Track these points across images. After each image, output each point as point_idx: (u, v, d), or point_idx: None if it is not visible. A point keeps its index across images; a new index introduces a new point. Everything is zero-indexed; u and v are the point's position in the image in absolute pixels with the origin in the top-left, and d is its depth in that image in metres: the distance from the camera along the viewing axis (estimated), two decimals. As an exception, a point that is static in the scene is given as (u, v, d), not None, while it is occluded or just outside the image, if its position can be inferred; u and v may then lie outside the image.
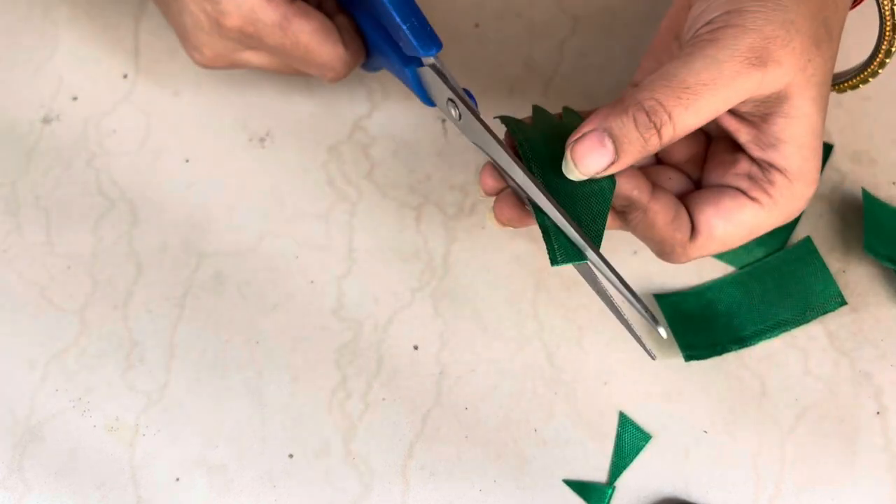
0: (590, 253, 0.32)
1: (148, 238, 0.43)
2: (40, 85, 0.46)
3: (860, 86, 0.38)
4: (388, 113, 0.45)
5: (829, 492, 0.38)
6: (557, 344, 0.41)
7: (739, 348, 0.40)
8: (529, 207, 0.34)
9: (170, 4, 0.38)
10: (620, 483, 0.38)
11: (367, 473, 0.39)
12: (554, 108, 0.46)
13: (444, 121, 0.45)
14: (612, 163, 0.31)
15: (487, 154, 0.35)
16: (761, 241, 0.41)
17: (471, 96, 0.36)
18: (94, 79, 0.46)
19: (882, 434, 0.39)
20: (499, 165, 0.34)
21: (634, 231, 0.35)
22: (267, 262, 0.42)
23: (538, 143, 0.34)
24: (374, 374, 0.40)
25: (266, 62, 0.40)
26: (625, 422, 0.39)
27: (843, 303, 0.40)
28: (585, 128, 0.32)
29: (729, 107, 0.31)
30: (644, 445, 0.39)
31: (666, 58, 0.37)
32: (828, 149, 0.43)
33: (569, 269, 0.42)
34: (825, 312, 0.40)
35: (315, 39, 0.37)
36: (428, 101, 0.37)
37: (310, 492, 0.39)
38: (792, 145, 0.33)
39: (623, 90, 0.38)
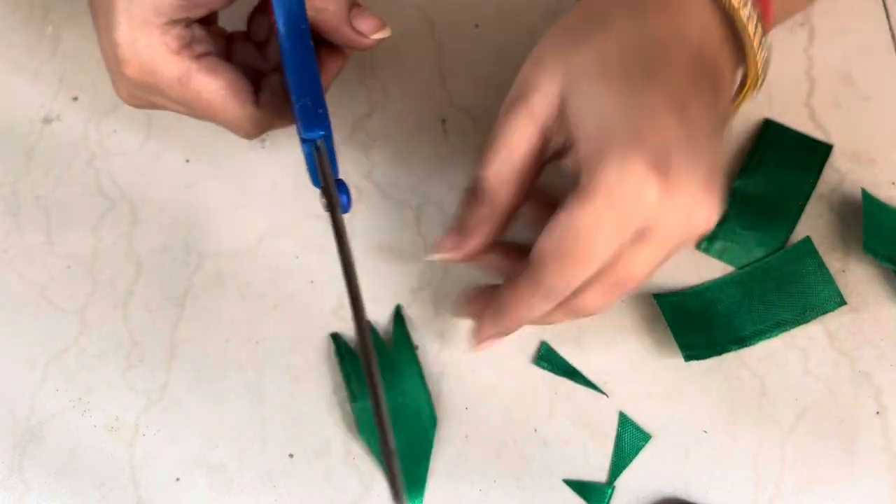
0: None
1: (148, 238, 0.43)
2: (41, 85, 0.46)
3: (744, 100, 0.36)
4: (388, 113, 0.45)
5: (829, 492, 0.38)
6: (557, 344, 0.41)
7: (739, 348, 0.40)
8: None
9: (97, 35, 0.37)
10: (620, 483, 0.38)
11: (367, 473, 0.39)
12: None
13: (444, 121, 0.45)
14: (469, 250, 0.34)
15: (339, 251, 0.33)
16: (761, 241, 0.41)
17: (343, 188, 0.35)
18: (94, 79, 0.46)
19: (882, 434, 0.39)
20: (347, 262, 0.33)
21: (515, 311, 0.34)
22: (267, 262, 0.42)
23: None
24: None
25: (179, 109, 0.38)
26: (625, 422, 0.39)
27: (843, 303, 0.40)
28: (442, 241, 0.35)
29: (524, 146, 0.33)
30: (644, 445, 0.39)
31: None
32: (827, 148, 0.43)
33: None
34: (824, 312, 0.40)
35: (219, 97, 0.35)
36: (316, 181, 0.36)
37: (310, 492, 0.39)
38: (581, 134, 0.31)
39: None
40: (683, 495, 0.38)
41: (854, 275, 0.41)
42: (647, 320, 0.41)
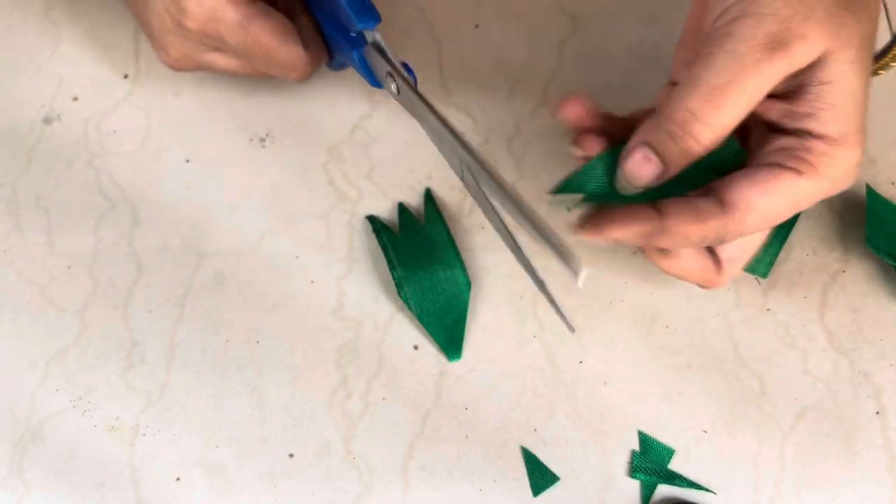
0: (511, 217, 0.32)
1: (148, 238, 0.43)
2: (41, 85, 0.46)
3: (881, 72, 0.37)
4: (388, 113, 0.45)
5: (829, 491, 0.38)
6: (557, 344, 0.41)
7: None
8: (465, 185, 0.34)
9: (139, 6, 0.38)
10: (620, 483, 0.38)
11: (368, 473, 0.39)
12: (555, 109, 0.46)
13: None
14: (661, 173, 0.32)
15: (425, 129, 0.35)
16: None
17: (410, 70, 0.36)
18: (94, 79, 0.46)
19: (881, 434, 0.39)
20: (435, 140, 0.35)
21: (673, 247, 0.35)
22: (267, 262, 0.42)
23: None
24: (375, 373, 0.40)
25: (231, 64, 0.40)
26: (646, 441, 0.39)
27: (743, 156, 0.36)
28: (631, 143, 0.32)
29: (763, 95, 0.31)
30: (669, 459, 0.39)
31: (699, 46, 0.35)
32: None
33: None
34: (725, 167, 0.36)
35: (276, 40, 0.37)
36: (375, 82, 0.38)
37: (310, 491, 0.39)
38: (830, 112, 0.32)
39: (660, 91, 0.38)
40: (683, 495, 0.38)
41: (854, 275, 0.41)
42: (648, 320, 0.41)
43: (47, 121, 0.45)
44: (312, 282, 0.42)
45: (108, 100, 0.46)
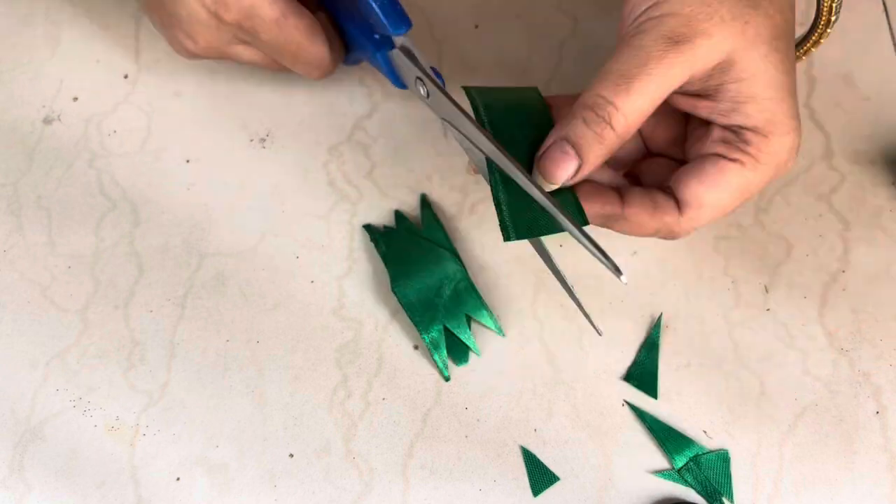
0: (557, 222, 0.33)
1: (149, 238, 0.43)
2: (41, 85, 0.46)
3: (812, 51, 0.39)
4: (388, 113, 0.45)
5: (829, 491, 0.38)
6: (557, 344, 0.41)
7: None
8: (488, 179, 0.35)
9: None
10: (620, 483, 0.38)
11: (368, 472, 0.39)
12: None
13: (444, 120, 0.45)
14: (579, 167, 0.33)
15: (455, 128, 0.35)
16: None
17: (438, 75, 0.37)
18: (94, 79, 0.46)
19: (881, 433, 0.39)
20: (467, 138, 0.35)
21: (632, 234, 0.36)
22: (267, 261, 0.42)
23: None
24: (375, 373, 0.40)
25: (256, 57, 0.40)
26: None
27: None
28: (547, 142, 0.33)
29: (671, 87, 0.32)
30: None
31: None
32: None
33: (569, 270, 0.42)
34: None
35: (307, 38, 0.38)
36: (400, 83, 0.38)
37: (310, 491, 0.39)
38: (751, 104, 0.33)
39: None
40: (683, 495, 0.38)
41: (854, 275, 0.41)
42: (647, 320, 0.41)
43: (48, 121, 0.45)
44: (313, 282, 0.42)
45: (109, 100, 0.46)
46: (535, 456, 0.39)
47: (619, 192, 0.36)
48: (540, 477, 0.38)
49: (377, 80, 0.46)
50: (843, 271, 0.41)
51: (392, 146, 0.44)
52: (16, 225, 0.43)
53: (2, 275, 0.42)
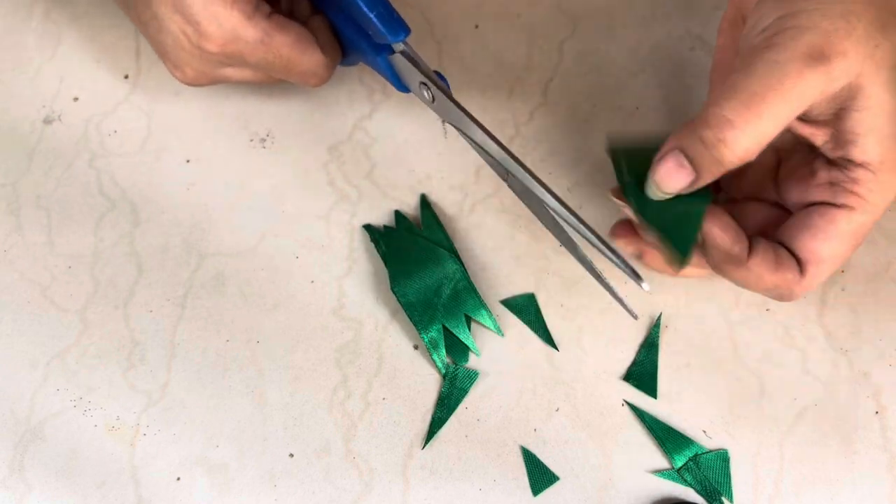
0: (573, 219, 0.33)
1: (149, 238, 0.43)
2: (41, 85, 0.46)
3: None
4: (388, 113, 0.45)
5: (828, 491, 0.38)
6: (557, 344, 0.41)
7: None
8: (508, 184, 0.35)
9: (147, 24, 0.38)
10: (620, 483, 0.38)
11: (368, 473, 0.39)
12: (554, 110, 0.46)
13: (444, 121, 0.45)
14: (693, 181, 0.32)
15: (461, 132, 0.35)
16: None
17: (442, 78, 0.37)
18: (94, 79, 0.46)
19: (881, 433, 0.39)
20: (475, 143, 0.35)
21: (745, 287, 0.35)
22: (267, 262, 0.42)
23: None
24: (375, 373, 0.40)
25: (247, 76, 0.40)
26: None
27: None
28: (664, 149, 0.32)
29: (801, 110, 0.30)
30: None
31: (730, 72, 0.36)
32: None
33: (569, 270, 0.42)
34: None
35: (296, 50, 0.37)
36: (402, 87, 0.38)
37: (310, 491, 0.39)
38: (870, 137, 0.32)
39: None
40: (683, 495, 0.38)
41: (854, 275, 0.41)
42: (647, 320, 0.41)
43: (48, 121, 0.45)
44: (313, 282, 0.42)
45: (109, 100, 0.46)
46: (535, 456, 0.39)
47: (746, 237, 0.34)
48: (540, 477, 0.38)
49: (377, 80, 0.46)
50: (843, 271, 0.42)
51: (392, 146, 0.44)
52: (15, 225, 0.43)
53: (2, 275, 0.42)
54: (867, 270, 0.42)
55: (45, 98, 0.46)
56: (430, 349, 0.40)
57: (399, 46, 0.36)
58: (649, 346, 0.40)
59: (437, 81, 0.36)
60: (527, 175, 0.33)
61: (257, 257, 0.43)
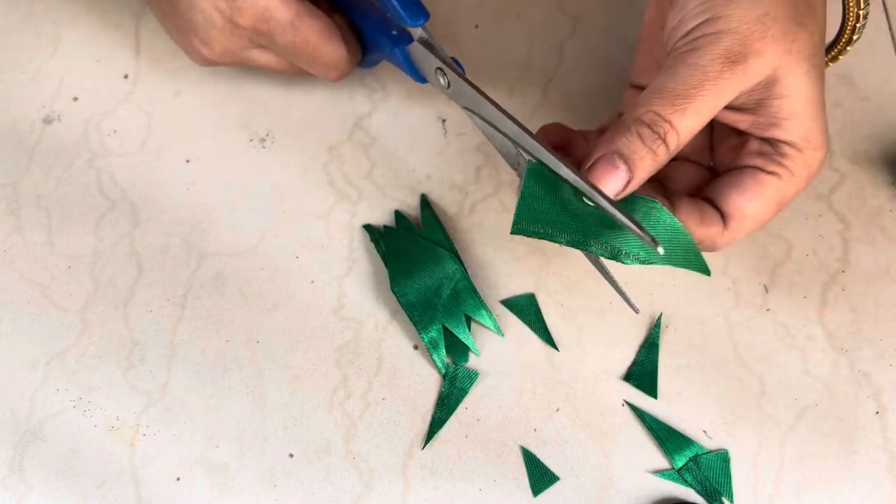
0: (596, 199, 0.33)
1: (149, 238, 0.43)
2: (41, 85, 0.46)
3: (839, 58, 0.39)
4: (388, 113, 0.45)
5: (828, 491, 0.38)
6: (557, 344, 0.41)
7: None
8: (519, 173, 0.35)
9: (176, 2, 0.39)
10: (620, 483, 0.38)
11: (368, 473, 0.39)
12: (555, 109, 0.46)
13: (444, 121, 0.45)
14: (629, 181, 0.33)
15: (480, 116, 0.36)
16: None
17: (458, 64, 0.37)
18: (94, 79, 0.46)
19: (881, 433, 0.39)
20: (492, 124, 0.35)
21: None
22: (267, 262, 0.42)
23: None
24: (375, 373, 0.40)
25: (272, 61, 0.41)
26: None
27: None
28: (595, 154, 0.33)
29: (723, 105, 0.33)
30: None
31: (657, 52, 0.39)
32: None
33: (569, 270, 0.42)
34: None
35: (323, 38, 0.38)
36: (419, 77, 0.38)
37: (310, 491, 0.39)
38: (791, 120, 0.34)
39: (622, 104, 0.40)
40: (683, 495, 0.38)
41: (854, 275, 0.41)
42: (647, 321, 0.41)
43: (47, 121, 0.45)
44: (312, 282, 0.42)
45: (109, 100, 0.46)
46: (535, 456, 0.39)
47: (668, 198, 0.36)
48: (540, 477, 0.38)
49: (377, 80, 0.46)
50: (843, 271, 0.42)
51: (392, 146, 0.44)
52: (15, 225, 0.43)
53: (2, 275, 0.42)
54: (867, 270, 0.42)
55: (45, 98, 0.46)
56: (430, 349, 0.40)
57: (418, 32, 0.37)
58: (649, 346, 0.40)
59: (453, 66, 0.36)
60: (544, 151, 0.33)
61: (257, 257, 0.43)
